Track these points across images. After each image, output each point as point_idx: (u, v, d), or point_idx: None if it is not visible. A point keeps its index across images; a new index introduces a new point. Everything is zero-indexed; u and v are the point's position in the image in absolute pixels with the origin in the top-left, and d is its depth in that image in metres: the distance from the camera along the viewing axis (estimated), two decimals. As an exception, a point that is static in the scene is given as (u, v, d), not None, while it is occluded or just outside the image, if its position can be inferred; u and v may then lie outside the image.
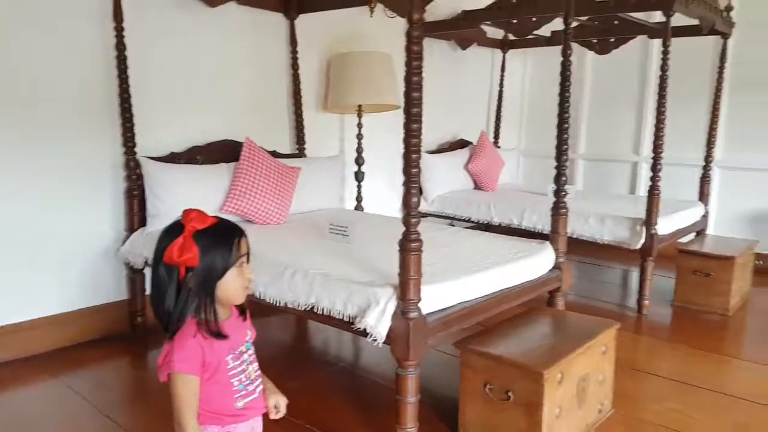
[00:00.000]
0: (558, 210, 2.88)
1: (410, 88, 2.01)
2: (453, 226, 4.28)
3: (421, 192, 4.53)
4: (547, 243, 2.86)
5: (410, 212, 2.01)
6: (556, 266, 2.84)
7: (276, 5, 3.61)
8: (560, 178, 2.86)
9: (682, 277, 3.68)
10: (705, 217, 4.29)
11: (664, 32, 3.41)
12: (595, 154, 5.44)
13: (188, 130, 3.26)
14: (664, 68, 3.46)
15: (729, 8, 4.04)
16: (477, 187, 4.80)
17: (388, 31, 4.02)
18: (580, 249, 4.05)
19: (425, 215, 4.55)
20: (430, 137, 4.71)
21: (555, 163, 2.82)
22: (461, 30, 4.51)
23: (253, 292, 2.38)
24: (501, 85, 5.31)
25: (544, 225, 3.68)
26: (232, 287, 1.30)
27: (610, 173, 5.36)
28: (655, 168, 3.54)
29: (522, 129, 5.83)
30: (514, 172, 5.44)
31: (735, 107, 4.61)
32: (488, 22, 4.10)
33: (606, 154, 5.37)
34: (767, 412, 2.40)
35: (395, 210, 4.48)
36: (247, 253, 1.35)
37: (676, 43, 3.93)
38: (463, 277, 2.29)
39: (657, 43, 3.45)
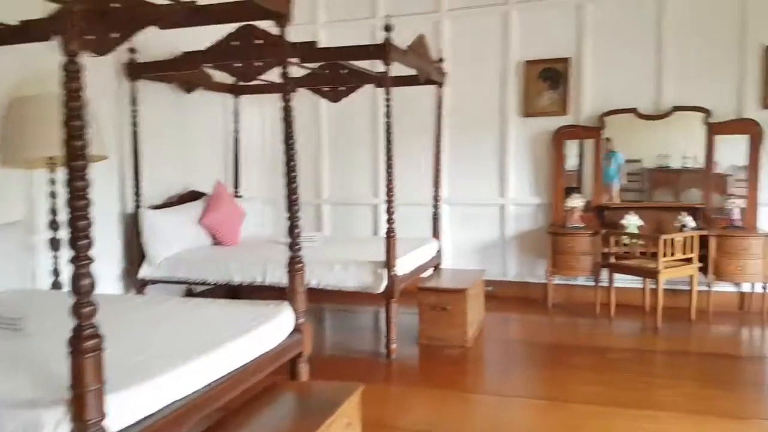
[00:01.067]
0: (294, 265, 2.63)
1: (70, 135, 1.55)
2: (191, 292, 3.77)
3: (144, 255, 3.89)
4: (286, 303, 2.57)
5: (81, 300, 1.50)
6: (296, 329, 2.56)
7: None
8: (293, 229, 2.63)
9: (424, 314, 3.76)
10: (439, 252, 4.52)
11: (385, 81, 3.55)
12: (340, 198, 5.47)
13: None
14: (388, 115, 3.60)
15: (440, 60, 4.55)
16: (216, 242, 4.33)
17: (91, 72, 3.36)
18: (329, 296, 3.86)
19: (152, 282, 3.90)
20: (154, 191, 4.11)
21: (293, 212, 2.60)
22: (183, 72, 4.09)
23: None
24: (236, 131, 5.00)
25: (289, 280, 3.43)
26: None
27: (355, 216, 5.43)
28: (389, 210, 3.58)
29: (263, 176, 5.57)
30: (259, 222, 5.13)
31: (456, 148, 5.07)
32: (210, 65, 3.76)
33: (349, 198, 5.43)
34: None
35: (111, 281, 3.77)
36: None
37: (406, 90, 4.16)
38: (176, 369, 1.83)
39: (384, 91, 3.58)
